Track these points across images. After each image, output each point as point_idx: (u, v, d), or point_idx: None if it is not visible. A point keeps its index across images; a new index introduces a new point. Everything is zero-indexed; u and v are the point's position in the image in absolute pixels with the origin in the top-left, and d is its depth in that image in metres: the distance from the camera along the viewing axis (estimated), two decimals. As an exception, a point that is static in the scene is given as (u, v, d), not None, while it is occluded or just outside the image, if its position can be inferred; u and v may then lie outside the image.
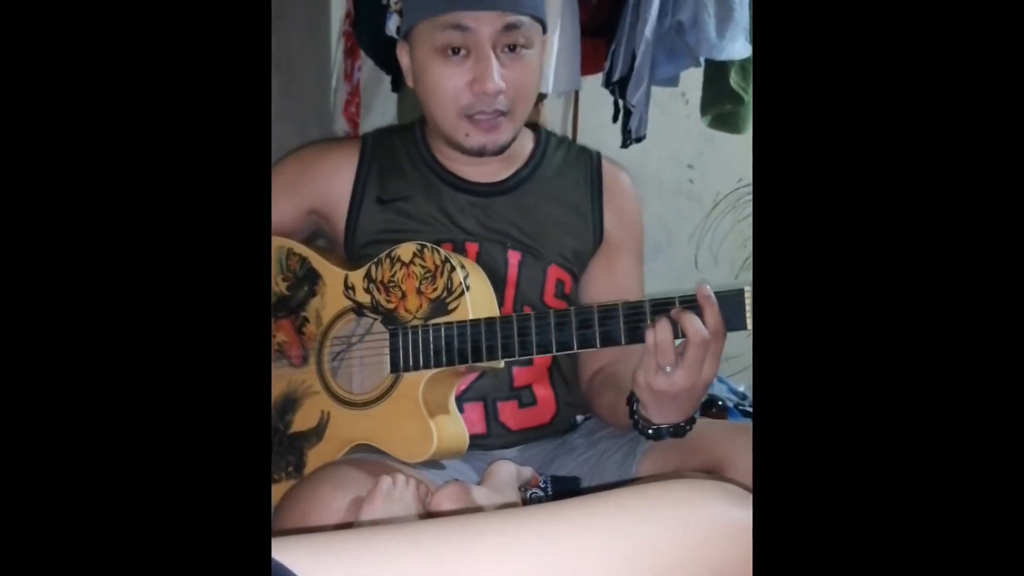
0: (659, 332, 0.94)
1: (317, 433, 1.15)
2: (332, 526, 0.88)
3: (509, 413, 1.19)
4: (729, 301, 0.95)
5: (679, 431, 1.02)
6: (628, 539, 0.55)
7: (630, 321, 0.98)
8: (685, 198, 2.66)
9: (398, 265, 1.11)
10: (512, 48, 1.11)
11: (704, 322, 0.93)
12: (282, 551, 0.47)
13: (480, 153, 1.17)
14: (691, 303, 0.96)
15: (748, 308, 0.94)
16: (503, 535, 0.51)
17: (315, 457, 1.14)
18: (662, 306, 0.97)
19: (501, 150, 1.18)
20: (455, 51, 1.10)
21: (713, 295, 0.95)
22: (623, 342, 0.99)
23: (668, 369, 0.94)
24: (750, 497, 0.62)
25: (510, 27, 1.10)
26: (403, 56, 1.20)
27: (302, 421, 1.17)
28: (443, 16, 1.09)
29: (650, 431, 1.02)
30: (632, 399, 1.02)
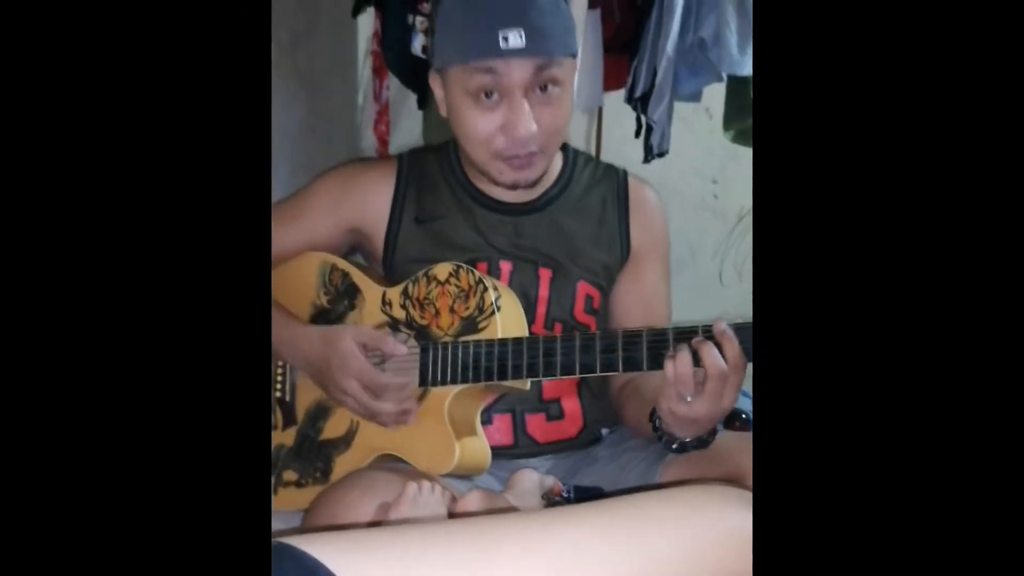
0: (679, 365, 0.95)
1: (346, 441, 1.18)
2: (362, 526, 0.90)
3: (536, 425, 1.21)
4: (748, 331, 0.96)
5: (702, 443, 1.04)
6: (646, 543, 0.56)
7: (653, 348, 1.00)
8: (709, 213, 2.66)
9: (434, 284, 1.14)
10: (544, 88, 1.11)
11: (724, 355, 0.95)
12: (311, 546, 0.49)
13: (514, 187, 1.18)
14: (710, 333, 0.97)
15: None
16: (525, 535, 0.53)
17: (342, 464, 1.17)
18: (685, 335, 0.98)
19: (532, 184, 1.19)
20: (487, 94, 1.10)
21: (730, 330, 0.96)
22: (645, 368, 1.00)
23: (689, 399, 0.96)
24: None
25: (541, 68, 1.09)
26: (436, 88, 1.20)
27: (332, 429, 1.19)
28: (476, 64, 1.09)
29: (674, 445, 1.04)
30: (654, 415, 1.04)
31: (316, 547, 0.49)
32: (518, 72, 1.08)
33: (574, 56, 1.17)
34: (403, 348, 1.12)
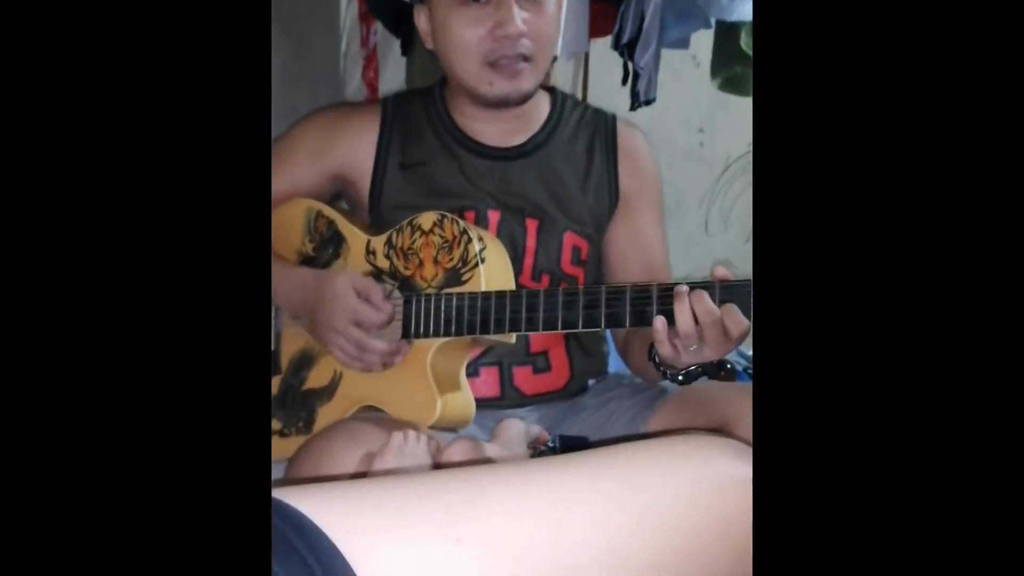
0: (681, 322, 0.93)
1: (328, 392, 1.17)
2: (346, 476, 0.90)
3: (524, 378, 1.21)
4: (737, 291, 0.94)
5: (709, 370, 1.03)
6: (636, 491, 0.56)
7: (636, 304, 0.99)
8: (696, 162, 2.65)
9: (418, 233, 1.13)
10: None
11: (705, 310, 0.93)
12: (295, 499, 0.49)
13: (504, 103, 1.17)
14: (701, 287, 0.95)
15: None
16: (514, 485, 0.53)
17: (325, 414, 1.16)
18: (668, 291, 0.97)
19: (524, 99, 1.19)
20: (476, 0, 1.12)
21: (706, 294, 0.93)
22: (627, 325, 1.00)
23: (693, 348, 0.95)
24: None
25: None
26: (421, 19, 1.21)
27: (316, 379, 1.19)
28: None
29: (680, 376, 1.04)
30: (652, 353, 1.03)
31: (300, 499, 0.48)
32: None
33: None
34: (389, 306, 1.11)
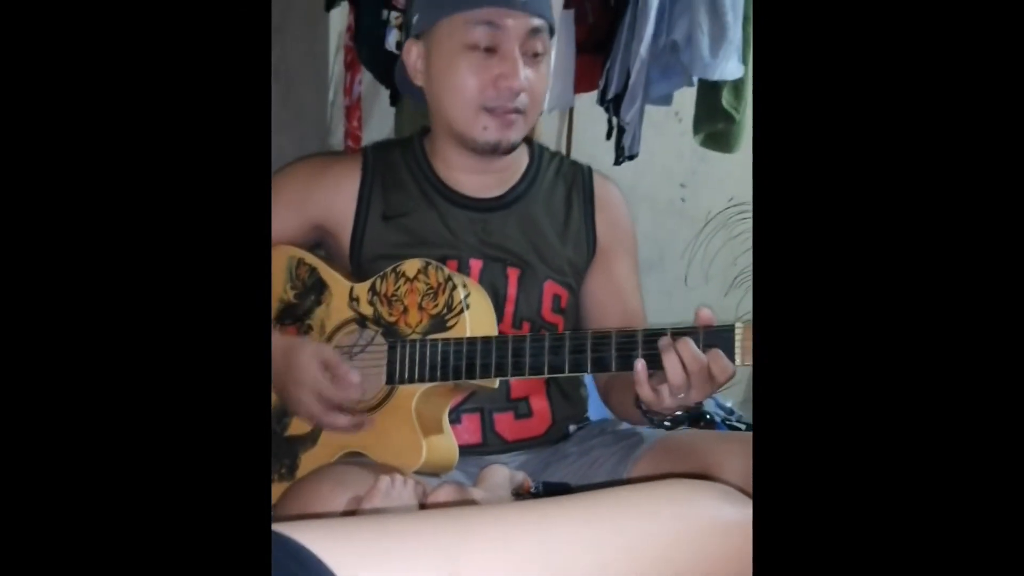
0: (671, 372, 0.95)
1: (312, 438, 1.17)
2: (336, 515, 0.90)
3: (505, 424, 1.21)
4: (720, 336, 0.96)
5: (692, 413, 1.06)
6: (626, 531, 0.57)
7: (622, 349, 1.00)
8: (677, 216, 2.69)
9: (402, 280, 1.13)
10: (532, 54, 1.17)
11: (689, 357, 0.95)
12: (296, 532, 0.49)
13: (493, 150, 1.20)
14: (684, 334, 0.97)
15: (738, 343, 0.95)
16: (508, 523, 0.53)
17: (308, 461, 1.16)
18: (653, 336, 0.99)
19: (511, 149, 1.21)
20: (483, 49, 1.15)
21: (692, 341, 0.95)
22: (614, 369, 1.01)
23: (681, 396, 0.97)
24: (743, 497, 0.65)
25: (534, 31, 1.16)
26: (411, 53, 1.23)
27: (297, 426, 1.18)
28: (476, 12, 1.14)
29: (666, 423, 1.05)
30: (639, 400, 1.04)
31: (300, 533, 0.49)
32: (517, 27, 1.14)
33: (552, 31, 1.22)
34: (357, 377, 1.11)
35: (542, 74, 1.19)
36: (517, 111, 1.17)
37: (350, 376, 1.10)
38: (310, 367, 1.10)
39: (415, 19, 1.22)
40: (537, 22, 1.16)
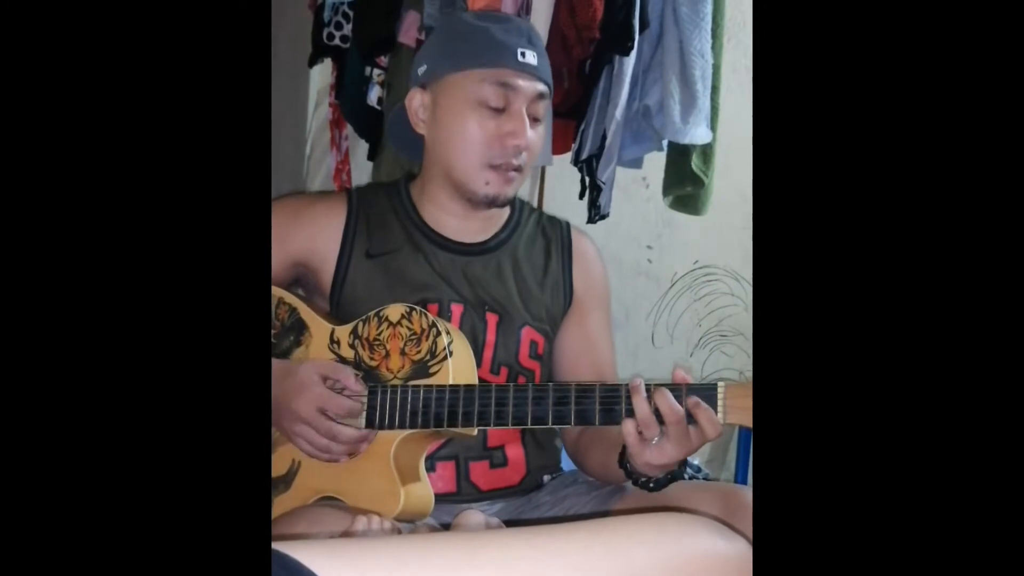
0: (639, 410, 0.97)
1: (286, 481, 1.16)
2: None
3: (480, 473, 1.21)
4: (702, 394, 0.98)
5: (674, 477, 1.06)
6: (624, 558, 0.59)
7: (605, 402, 1.01)
8: (644, 277, 2.73)
9: (385, 324, 1.14)
10: (534, 118, 1.21)
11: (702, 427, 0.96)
12: (296, 551, 0.50)
13: (491, 203, 1.23)
14: (668, 389, 0.98)
15: (720, 402, 0.97)
16: (508, 547, 0.54)
17: (281, 504, 1.15)
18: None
19: (506, 203, 1.26)
20: (493, 107, 1.19)
21: (670, 394, 0.97)
22: (597, 422, 1.02)
23: (655, 440, 0.98)
24: (734, 533, 0.67)
25: (540, 96, 1.21)
26: (414, 100, 1.26)
27: (272, 468, 1.17)
28: (491, 72, 1.18)
29: (651, 484, 1.06)
30: (624, 460, 1.06)
31: (300, 552, 0.50)
32: (527, 89, 1.19)
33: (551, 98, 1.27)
34: (362, 385, 1.11)
35: (540, 135, 1.24)
36: (518, 168, 1.22)
37: (353, 382, 1.10)
38: (310, 380, 1.10)
39: (422, 69, 1.25)
40: (543, 88, 1.22)
